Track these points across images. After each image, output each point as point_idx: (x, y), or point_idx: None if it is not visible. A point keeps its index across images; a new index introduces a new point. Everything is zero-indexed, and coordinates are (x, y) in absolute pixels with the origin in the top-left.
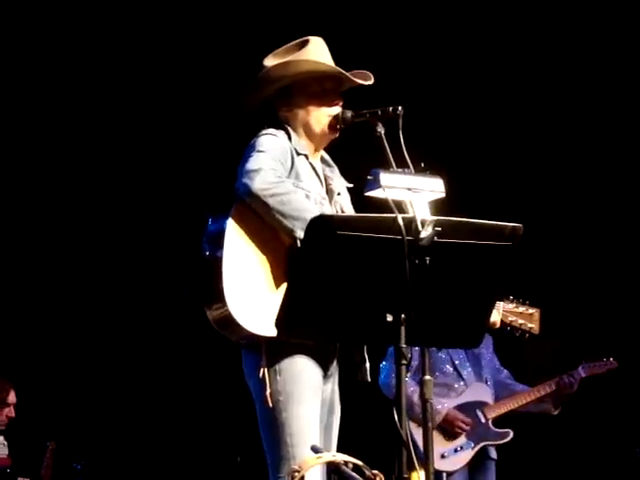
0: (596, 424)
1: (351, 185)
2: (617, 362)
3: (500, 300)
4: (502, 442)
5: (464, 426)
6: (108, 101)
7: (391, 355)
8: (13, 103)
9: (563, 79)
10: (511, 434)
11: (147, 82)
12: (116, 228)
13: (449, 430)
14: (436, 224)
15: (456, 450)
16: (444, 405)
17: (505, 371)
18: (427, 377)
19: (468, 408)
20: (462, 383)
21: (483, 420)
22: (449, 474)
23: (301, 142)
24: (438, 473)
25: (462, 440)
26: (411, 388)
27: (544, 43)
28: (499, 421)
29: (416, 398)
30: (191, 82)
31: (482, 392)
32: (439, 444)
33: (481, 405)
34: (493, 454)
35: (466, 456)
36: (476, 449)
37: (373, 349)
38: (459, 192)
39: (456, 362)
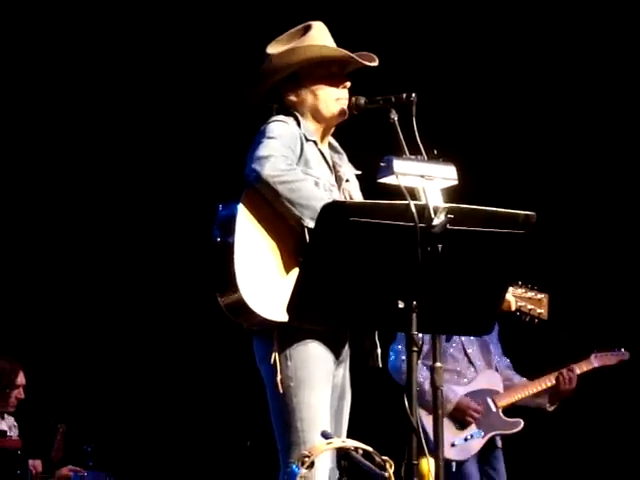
0: (604, 417)
1: (360, 172)
2: (629, 353)
3: (509, 285)
4: (513, 432)
5: (476, 415)
6: (115, 89)
7: (401, 338)
8: (13, 103)
9: (578, 66)
10: (522, 424)
11: (155, 70)
12: (127, 216)
13: (460, 418)
14: (449, 211)
15: (466, 439)
16: (456, 393)
17: (507, 360)
18: (438, 364)
19: (479, 396)
20: (472, 370)
21: (494, 409)
22: (459, 463)
23: (310, 128)
24: (448, 462)
25: (473, 429)
26: (422, 374)
27: (556, 36)
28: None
29: (427, 386)
30: (199, 69)
31: (493, 380)
32: (450, 432)
33: (491, 393)
34: (499, 443)
35: (476, 445)
36: (486, 438)
37: (384, 335)
38: (472, 179)
39: (467, 348)
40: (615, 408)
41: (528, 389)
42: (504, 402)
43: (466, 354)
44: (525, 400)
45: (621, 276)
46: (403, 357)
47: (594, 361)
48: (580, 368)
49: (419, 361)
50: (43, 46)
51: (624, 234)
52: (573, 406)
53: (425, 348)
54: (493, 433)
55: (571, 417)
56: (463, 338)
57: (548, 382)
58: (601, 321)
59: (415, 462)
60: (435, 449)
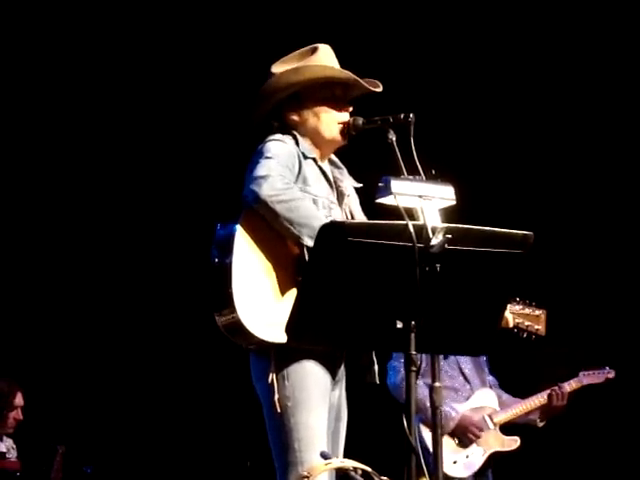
0: (591, 434)
1: (360, 185)
2: (615, 371)
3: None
4: (511, 449)
5: (478, 432)
6: (114, 110)
7: (398, 355)
8: (13, 103)
9: (574, 89)
10: (518, 441)
11: (153, 89)
12: (125, 235)
13: (461, 436)
14: (447, 231)
15: (467, 456)
16: (458, 411)
17: (493, 377)
18: (437, 384)
19: (476, 413)
20: (469, 387)
21: (491, 426)
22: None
23: (309, 146)
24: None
25: (473, 447)
26: (423, 392)
27: (556, 55)
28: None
29: (428, 403)
30: (198, 90)
31: (488, 398)
32: (451, 450)
33: (488, 411)
34: (489, 462)
35: (477, 462)
36: (486, 456)
37: (381, 352)
38: (470, 199)
39: (462, 365)
40: (601, 424)
41: (523, 406)
42: (501, 419)
43: (462, 372)
44: (518, 417)
45: (607, 295)
46: (400, 374)
47: (583, 379)
48: (570, 386)
49: (419, 380)
50: (43, 47)
51: (620, 250)
52: (560, 423)
53: (423, 366)
54: (492, 450)
55: (558, 434)
56: (458, 356)
57: (541, 399)
58: (585, 338)
59: None
60: (434, 468)
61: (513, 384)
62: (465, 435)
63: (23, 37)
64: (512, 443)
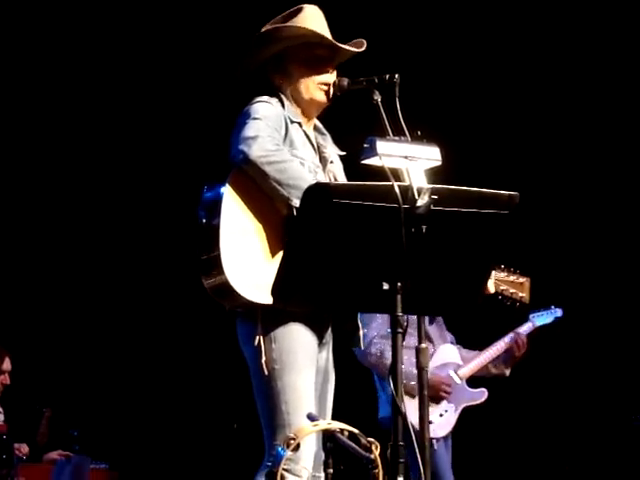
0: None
1: (344, 153)
2: (562, 310)
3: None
4: (480, 402)
5: (449, 389)
6: (102, 77)
7: (365, 322)
8: (13, 103)
9: (560, 49)
10: (486, 393)
11: (140, 53)
12: (114, 202)
13: (432, 395)
14: (432, 192)
15: (441, 415)
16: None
17: (450, 334)
18: (423, 345)
19: (442, 370)
20: (431, 346)
21: (458, 381)
22: (437, 440)
23: (294, 109)
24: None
25: (444, 404)
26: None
27: (541, 14)
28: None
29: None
30: (185, 52)
31: (451, 353)
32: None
33: (453, 366)
34: None
35: (451, 420)
36: (458, 411)
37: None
38: (455, 160)
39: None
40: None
41: (484, 357)
42: (466, 373)
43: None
44: (483, 371)
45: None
46: (367, 340)
47: (535, 321)
48: (524, 331)
49: (387, 342)
50: (43, 47)
51: (608, 215)
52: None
53: (386, 329)
54: (464, 405)
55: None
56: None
57: (501, 346)
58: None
59: (401, 444)
60: (420, 430)
61: (467, 338)
62: (436, 393)
63: (23, 37)
64: (481, 396)
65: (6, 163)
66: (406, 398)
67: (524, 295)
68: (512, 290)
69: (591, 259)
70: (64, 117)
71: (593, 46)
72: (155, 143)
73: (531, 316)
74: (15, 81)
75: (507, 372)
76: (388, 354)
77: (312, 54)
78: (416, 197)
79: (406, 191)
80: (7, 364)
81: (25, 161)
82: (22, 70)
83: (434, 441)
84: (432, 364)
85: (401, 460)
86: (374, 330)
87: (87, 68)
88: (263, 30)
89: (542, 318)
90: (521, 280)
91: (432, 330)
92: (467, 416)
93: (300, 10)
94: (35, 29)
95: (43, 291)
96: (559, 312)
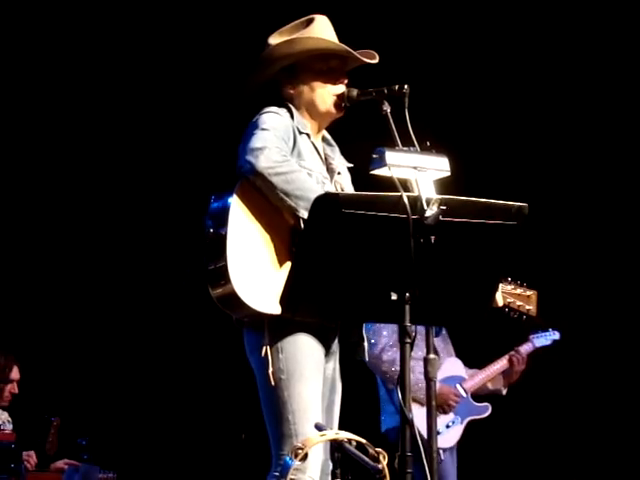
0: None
1: (351, 165)
2: (560, 332)
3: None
4: (484, 416)
5: (458, 400)
6: (107, 81)
7: (371, 332)
8: (13, 103)
9: (571, 56)
10: (490, 408)
11: (148, 61)
12: (119, 208)
13: (441, 406)
14: (441, 203)
15: (448, 426)
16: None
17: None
18: (432, 356)
19: (448, 383)
20: (436, 357)
21: (464, 394)
22: (444, 450)
23: (304, 121)
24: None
25: (451, 416)
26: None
27: (552, 22)
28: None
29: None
30: (193, 61)
31: (457, 367)
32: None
33: (458, 380)
34: None
35: (457, 432)
36: (464, 424)
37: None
38: (465, 171)
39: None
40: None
41: (488, 373)
42: (472, 387)
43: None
44: (482, 388)
45: (549, 259)
46: (378, 346)
47: (535, 342)
48: (525, 350)
49: (397, 351)
50: (43, 47)
51: (617, 226)
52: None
53: (395, 337)
54: (469, 418)
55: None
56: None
57: (503, 363)
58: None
59: (409, 454)
60: (428, 439)
61: (466, 355)
62: (444, 404)
63: (23, 37)
64: (485, 410)
65: (19, 167)
66: (415, 407)
67: (531, 308)
68: (519, 303)
69: (594, 276)
70: (72, 128)
71: (604, 57)
72: (163, 153)
73: (531, 337)
74: (22, 86)
75: (504, 391)
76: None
77: (326, 65)
78: (425, 208)
79: (415, 202)
80: (15, 373)
81: (37, 171)
82: (39, 74)
83: (440, 451)
84: (439, 376)
85: (409, 470)
86: (386, 338)
87: (95, 75)
88: (274, 41)
89: (541, 340)
90: (528, 293)
91: (438, 343)
92: (472, 429)
93: (312, 21)
94: (38, 30)
95: (51, 301)
96: (557, 335)
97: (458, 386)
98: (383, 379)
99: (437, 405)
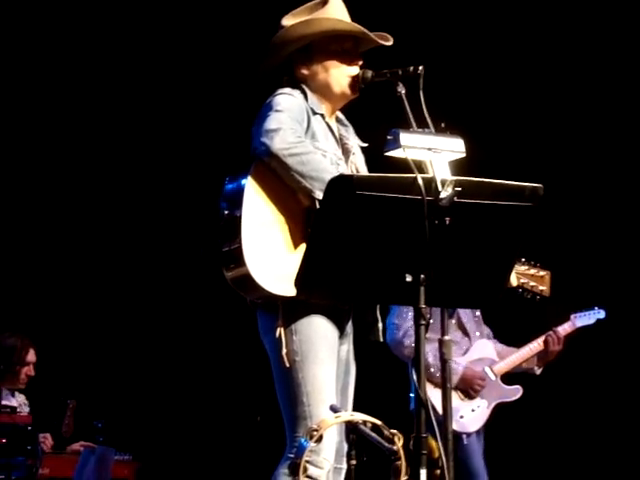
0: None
1: (366, 145)
2: (604, 311)
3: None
4: (514, 399)
5: (483, 383)
6: (124, 68)
7: (395, 313)
8: (13, 103)
9: (590, 35)
10: (521, 390)
11: (164, 43)
12: (135, 191)
13: (466, 390)
14: (456, 184)
15: (473, 410)
16: (460, 364)
17: (488, 328)
18: (447, 337)
19: (477, 365)
20: (467, 340)
21: (493, 377)
22: (468, 435)
23: (318, 102)
24: (458, 435)
25: (477, 400)
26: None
27: (569, 4)
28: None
29: (431, 358)
30: (207, 42)
31: (487, 349)
32: (456, 405)
33: (488, 362)
34: None
35: (483, 415)
36: (491, 408)
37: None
38: (480, 152)
39: (462, 319)
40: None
41: (520, 354)
42: (502, 369)
43: (461, 325)
44: (516, 366)
45: (590, 236)
46: (400, 332)
47: (576, 322)
48: (564, 330)
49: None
50: (43, 47)
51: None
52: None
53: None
54: (497, 402)
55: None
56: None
57: (538, 345)
58: (574, 283)
59: (424, 435)
60: (444, 422)
61: (506, 334)
62: (470, 388)
63: (23, 37)
64: (515, 393)
65: (37, 159)
66: (435, 389)
67: (544, 288)
68: (532, 283)
69: (623, 256)
70: (89, 108)
71: (623, 36)
72: (179, 135)
73: (572, 316)
74: (22, 86)
75: (538, 371)
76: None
77: (341, 46)
78: (440, 189)
79: (430, 183)
80: (32, 355)
81: (49, 157)
82: (30, 76)
83: (464, 436)
84: (467, 359)
85: (424, 452)
86: (408, 322)
87: (109, 59)
88: (288, 23)
89: (584, 319)
90: (541, 273)
91: (468, 325)
92: (502, 412)
93: (326, 2)
94: (38, 30)
95: (67, 283)
96: (602, 314)
97: (487, 369)
98: (406, 362)
99: (462, 389)
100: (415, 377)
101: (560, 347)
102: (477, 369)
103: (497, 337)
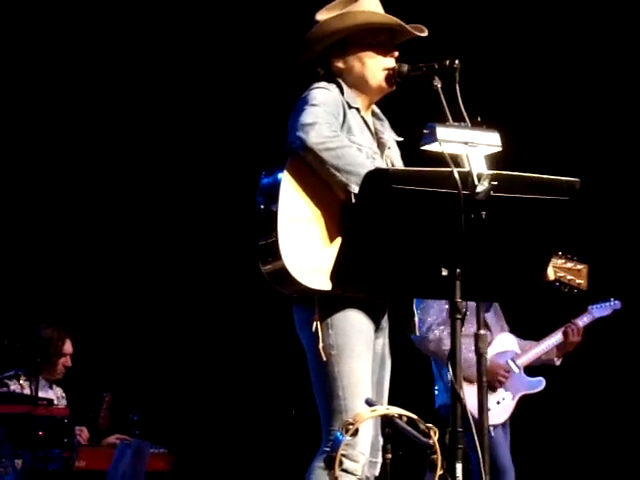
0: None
1: (401, 139)
2: (621, 302)
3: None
4: (537, 390)
5: (507, 374)
6: (150, 59)
7: (418, 306)
8: (14, 103)
9: (625, 38)
10: (544, 382)
11: (197, 36)
12: (173, 185)
13: (490, 382)
14: (492, 178)
15: (498, 402)
16: None
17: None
18: (482, 332)
19: (500, 358)
20: (489, 333)
21: (516, 370)
22: (495, 427)
23: (354, 95)
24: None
25: (501, 392)
26: (447, 342)
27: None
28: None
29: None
30: (243, 35)
31: (509, 342)
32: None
33: (511, 355)
34: None
35: (508, 408)
36: (516, 400)
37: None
38: (516, 146)
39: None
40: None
41: (542, 347)
42: (524, 361)
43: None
44: (538, 358)
45: (605, 227)
46: (425, 325)
47: (594, 313)
48: (583, 322)
49: (445, 329)
50: (43, 47)
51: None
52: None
53: (444, 315)
54: (521, 394)
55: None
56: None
57: (558, 337)
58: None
59: (460, 430)
60: (479, 416)
61: (523, 327)
62: (494, 380)
63: (23, 37)
64: (538, 384)
65: (55, 157)
66: (464, 384)
67: (582, 282)
68: (570, 277)
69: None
70: (120, 108)
71: None
72: (216, 130)
73: (590, 307)
74: (23, 86)
75: (557, 362)
76: (447, 341)
77: (376, 39)
78: (476, 183)
79: (466, 177)
80: (68, 346)
81: (82, 154)
82: (30, 76)
83: (491, 428)
84: (490, 352)
85: (460, 446)
86: (432, 316)
87: (133, 57)
88: (322, 17)
89: (601, 310)
90: (579, 267)
91: (490, 318)
92: (527, 404)
93: None
94: (38, 30)
95: (103, 276)
96: (618, 304)
97: (510, 361)
98: (431, 358)
99: (486, 382)
100: (450, 371)
101: (579, 338)
102: (500, 362)
103: (514, 332)
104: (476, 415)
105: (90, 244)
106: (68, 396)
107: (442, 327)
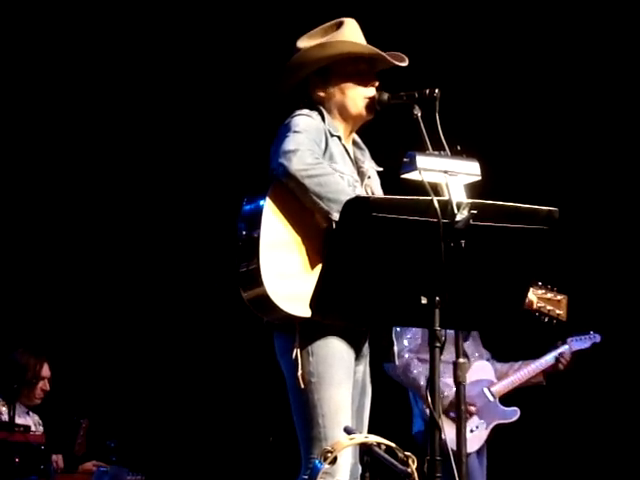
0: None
1: (381, 169)
2: (600, 336)
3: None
4: (512, 420)
5: (471, 409)
6: (138, 81)
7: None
8: (15, 103)
9: (601, 62)
10: (518, 412)
11: (178, 61)
12: (153, 210)
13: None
14: (472, 207)
15: (472, 430)
16: (451, 387)
17: (485, 350)
18: (461, 360)
19: (475, 386)
20: (466, 361)
21: (491, 399)
22: (467, 455)
23: (335, 123)
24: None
25: (475, 421)
26: (417, 369)
27: (581, 29)
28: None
29: (422, 381)
30: (222, 63)
31: (486, 370)
32: (451, 427)
33: (487, 383)
34: None
35: (482, 436)
36: (489, 428)
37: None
38: (495, 175)
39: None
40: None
41: (520, 376)
42: (500, 391)
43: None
44: (515, 388)
45: (585, 261)
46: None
47: (572, 345)
48: (566, 353)
49: (414, 356)
50: (43, 47)
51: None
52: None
53: (418, 342)
54: (495, 423)
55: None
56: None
57: (540, 366)
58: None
59: (438, 458)
60: (457, 444)
61: (503, 353)
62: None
63: (23, 37)
64: (513, 414)
65: (49, 165)
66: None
67: (561, 312)
68: (549, 307)
69: (630, 280)
70: (111, 127)
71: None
72: (196, 156)
73: (569, 340)
74: (24, 86)
75: (544, 382)
76: (412, 368)
77: (357, 68)
78: (455, 212)
79: (445, 206)
80: (46, 370)
81: (71, 169)
82: (31, 76)
83: None
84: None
85: (438, 475)
86: (404, 343)
87: (118, 75)
88: (304, 45)
89: (580, 343)
90: (559, 297)
91: (467, 346)
92: (502, 433)
93: (342, 24)
94: (39, 30)
95: (80, 302)
96: (597, 338)
97: (485, 390)
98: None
99: (451, 412)
100: (429, 400)
101: (570, 365)
102: (475, 390)
103: (494, 357)
104: (450, 445)
105: (66, 270)
106: (44, 422)
107: (412, 355)
